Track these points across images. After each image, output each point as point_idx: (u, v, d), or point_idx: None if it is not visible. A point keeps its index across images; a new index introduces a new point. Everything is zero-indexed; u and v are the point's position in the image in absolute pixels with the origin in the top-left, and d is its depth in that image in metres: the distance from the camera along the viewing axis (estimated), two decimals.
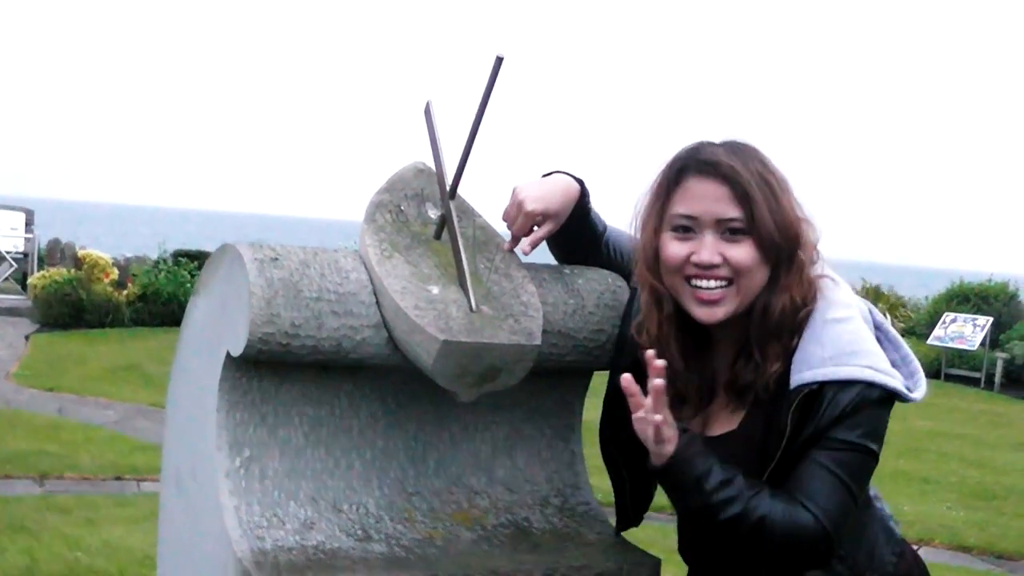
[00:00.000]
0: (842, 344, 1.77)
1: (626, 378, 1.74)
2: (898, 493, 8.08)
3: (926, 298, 19.36)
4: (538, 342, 1.86)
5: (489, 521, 2.06)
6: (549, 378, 2.11)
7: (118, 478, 7.16)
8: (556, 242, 2.13)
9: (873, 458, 1.78)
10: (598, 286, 2.08)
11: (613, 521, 2.17)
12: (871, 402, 1.75)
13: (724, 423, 1.88)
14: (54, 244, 18.93)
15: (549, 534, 2.08)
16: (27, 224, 19.62)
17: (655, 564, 2.07)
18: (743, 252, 1.78)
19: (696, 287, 1.81)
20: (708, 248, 1.79)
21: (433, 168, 2.05)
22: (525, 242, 2.01)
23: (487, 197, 2.19)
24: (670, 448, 1.74)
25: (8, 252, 18.46)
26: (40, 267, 17.56)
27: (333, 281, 1.84)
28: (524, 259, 2.05)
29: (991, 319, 15.78)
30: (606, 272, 2.13)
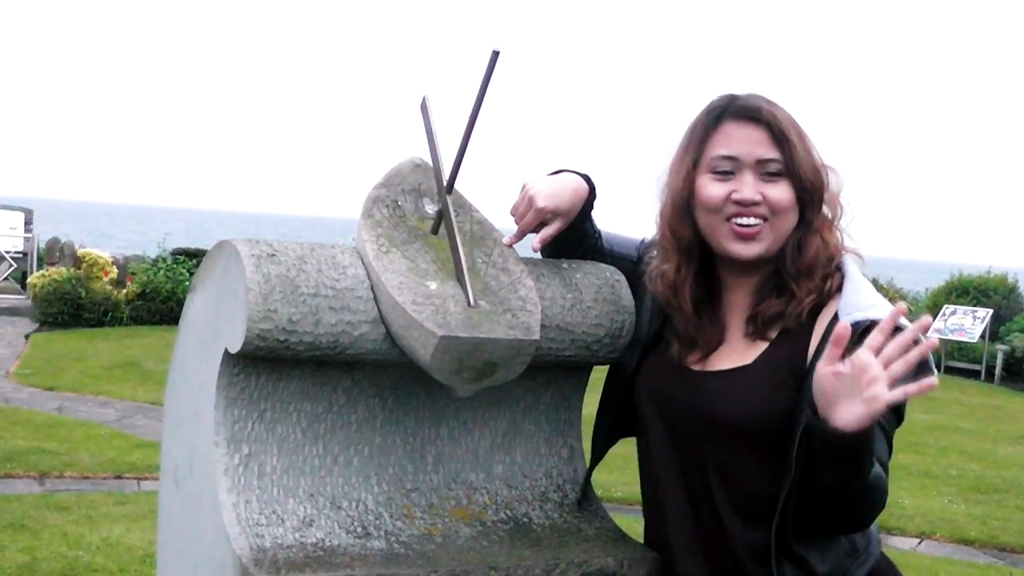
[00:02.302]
0: (877, 297, 1.86)
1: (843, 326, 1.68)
2: (898, 487, 8.09)
3: (925, 291, 19.36)
4: (536, 337, 1.86)
5: (488, 517, 2.05)
6: (547, 373, 2.11)
7: (118, 476, 7.17)
8: (554, 240, 2.13)
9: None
10: (596, 280, 2.08)
11: (614, 518, 2.17)
12: None
13: (736, 358, 1.93)
14: (53, 243, 18.95)
15: (549, 529, 2.08)
16: (26, 223, 19.64)
17: (654, 558, 2.06)
18: (781, 192, 1.88)
19: (737, 224, 1.89)
20: (749, 186, 1.87)
21: (430, 163, 2.04)
22: (535, 239, 2.03)
23: (484, 192, 2.18)
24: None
25: (7, 251, 18.47)
26: (39, 266, 17.57)
27: (330, 277, 1.83)
28: (522, 254, 2.04)
29: (991, 311, 15.80)
30: (604, 266, 2.12)
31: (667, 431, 1.98)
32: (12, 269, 18.36)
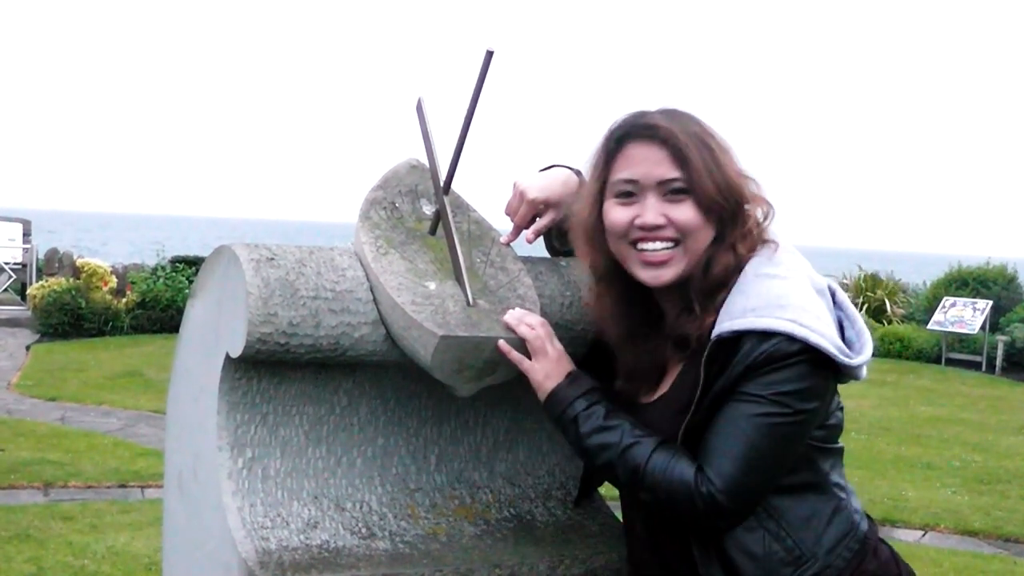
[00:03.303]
0: (769, 297, 1.73)
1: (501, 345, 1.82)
2: (901, 479, 8.10)
3: (924, 283, 19.36)
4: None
5: (492, 515, 2.06)
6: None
7: (122, 485, 7.16)
8: (552, 234, 2.14)
9: (797, 419, 1.70)
10: None
11: (616, 513, 2.17)
12: (790, 356, 1.68)
13: (663, 385, 1.87)
14: (52, 254, 18.95)
15: (552, 527, 2.09)
16: (25, 234, 19.63)
17: None
18: (686, 212, 1.79)
19: (642, 250, 1.81)
20: (651, 210, 1.79)
21: (426, 164, 2.05)
22: (528, 231, 2.03)
23: (481, 192, 2.19)
24: (549, 384, 1.83)
25: (6, 263, 18.46)
26: (39, 277, 17.57)
27: (329, 279, 1.84)
28: (521, 252, 2.05)
29: (990, 302, 15.79)
30: None
31: None
32: (11, 280, 18.36)
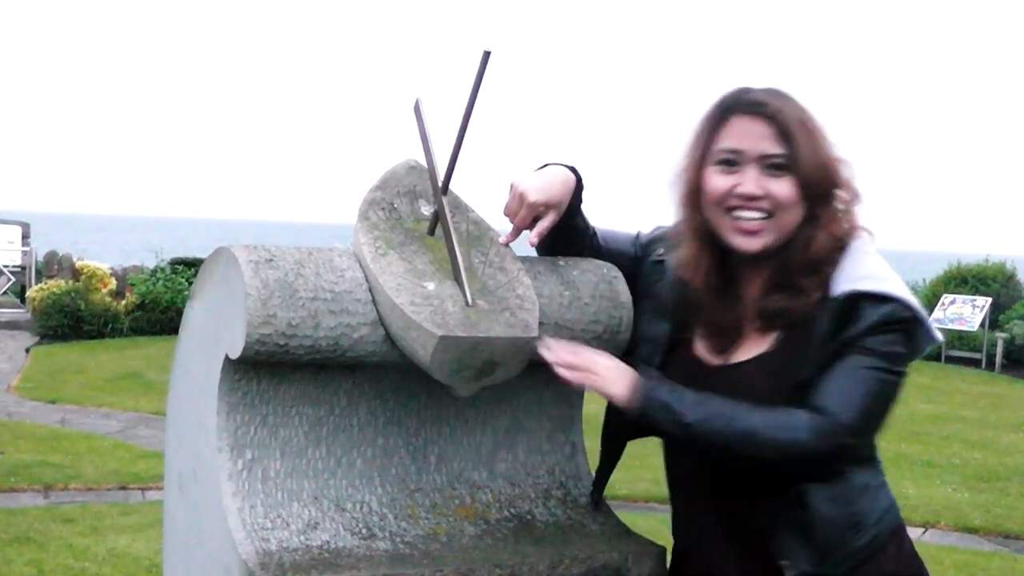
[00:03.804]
0: (880, 270, 1.89)
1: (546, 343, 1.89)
2: (901, 477, 8.10)
3: (924, 281, 19.35)
4: (535, 334, 1.86)
5: (492, 515, 2.06)
6: (547, 371, 2.11)
7: (122, 487, 7.17)
8: (549, 239, 2.13)
9: (899, 380, 1.85)
10: (593, 277, 2.09)
11: (617, 511, 2.18)
12: (903, 321, 1.84)
13: (749, 349, 1.94)
14: (51, 256, 18.94)
15: (552, 526, 2.09)
16: (24, 237, 19.62)
17: (659, 552, 2.07)
18: (783, 187, 1.88)
19: (737, 218, 1.91)
20: (751, 181, 1.88)
21: (425, 165, 2.05)
22: (532, 234, 2.03)
23: (479, 192, 2.19)
24: (623, 383, 1.85)
25: (6, 265, 18.46)
26: (38, 279, 17.56)
27: (328, 280, 1.84)
28: (519, 252, 2.05)
29: (989, 300, 15.80)
30: (601, 263, 2.13)
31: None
32: (11, 283, 18.36)
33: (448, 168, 1.95)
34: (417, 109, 2.03)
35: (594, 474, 2.20)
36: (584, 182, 2.07)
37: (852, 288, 1.83)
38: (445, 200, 1.95)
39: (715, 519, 1.97)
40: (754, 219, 1.89)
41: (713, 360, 1.97)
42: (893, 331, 1.83)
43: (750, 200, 1.88)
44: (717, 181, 1.91)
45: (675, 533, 2.10)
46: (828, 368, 1.82)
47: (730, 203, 1.90)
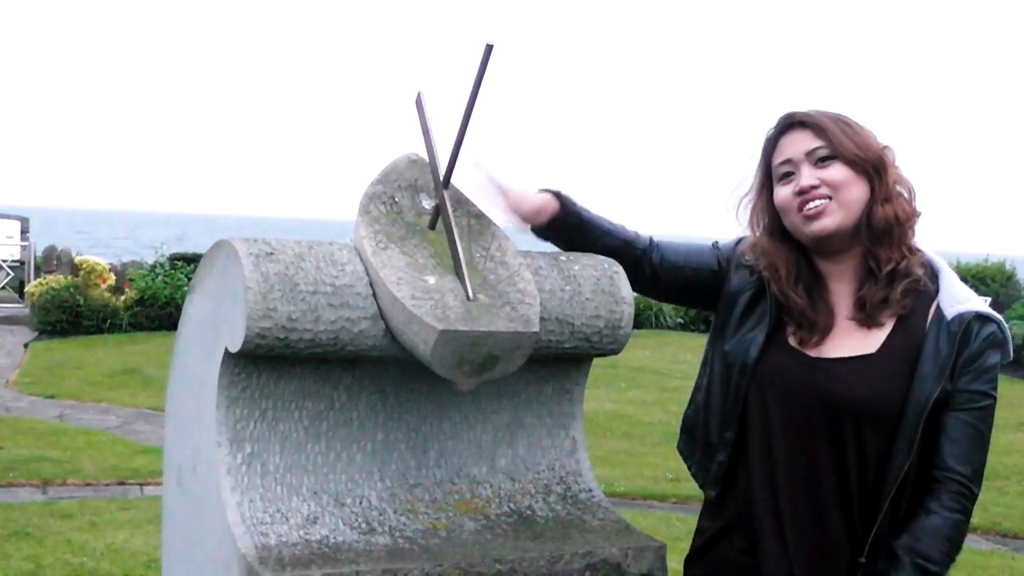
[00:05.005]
0: (971, 292, 2.13)
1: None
2: None
3: None
4: (536, 329, 1.86)
5: (492, 510, 2.06)
6: (548, 366, 2.11)
7: (120, 482, 7.16)
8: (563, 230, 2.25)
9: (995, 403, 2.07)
10: (595, 272, 2.08)
11: (618, 509, 2.17)
12: (1003, 343, 2.07)
13: (855, 345, 2.07)
14: (50, 251, 18.92)
15: (552, 522, 2.08)
16: (23, 232, 19.60)
17: (659, 548, 2.07)
18: (835, 171, 2.06)
19: (805, 211, 2.07)
20: (806, 175, 2.07)
21: (426, 159, 2.05)
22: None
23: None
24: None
25: (4, 260, 18.44)
26: (37, 275, 17.55)
27: (329, 274, 1.83)
28: (520, 247, 2.05)
29: (989, 299, 15.80)
30: (602, 258, 2.13)
31: (784, 421, 2.08)
32: (9, 278, 18.34)
33: (450, 162, 1.94)
34: (419, 102, 2.02)
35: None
36: (568, 197, 2.24)
37: (964, 309, 2.03)
38: (446, 194, 1.94)
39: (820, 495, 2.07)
40: (816, 205, 2.05)
41: (811, 352, 2.09)
42: (995, 352, 2.05)
43: (810, 191, 2.05)
44: (782, 191, 2.10)
45: (722, 512, 2.21)
46: (952, 408, 2.01)
47: (797, 203, 2.07)
